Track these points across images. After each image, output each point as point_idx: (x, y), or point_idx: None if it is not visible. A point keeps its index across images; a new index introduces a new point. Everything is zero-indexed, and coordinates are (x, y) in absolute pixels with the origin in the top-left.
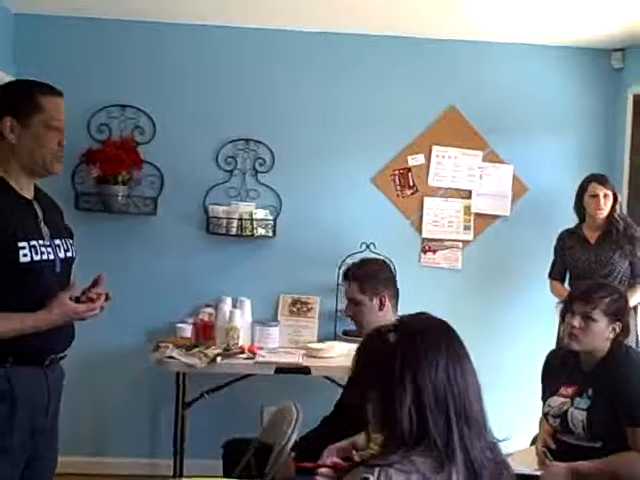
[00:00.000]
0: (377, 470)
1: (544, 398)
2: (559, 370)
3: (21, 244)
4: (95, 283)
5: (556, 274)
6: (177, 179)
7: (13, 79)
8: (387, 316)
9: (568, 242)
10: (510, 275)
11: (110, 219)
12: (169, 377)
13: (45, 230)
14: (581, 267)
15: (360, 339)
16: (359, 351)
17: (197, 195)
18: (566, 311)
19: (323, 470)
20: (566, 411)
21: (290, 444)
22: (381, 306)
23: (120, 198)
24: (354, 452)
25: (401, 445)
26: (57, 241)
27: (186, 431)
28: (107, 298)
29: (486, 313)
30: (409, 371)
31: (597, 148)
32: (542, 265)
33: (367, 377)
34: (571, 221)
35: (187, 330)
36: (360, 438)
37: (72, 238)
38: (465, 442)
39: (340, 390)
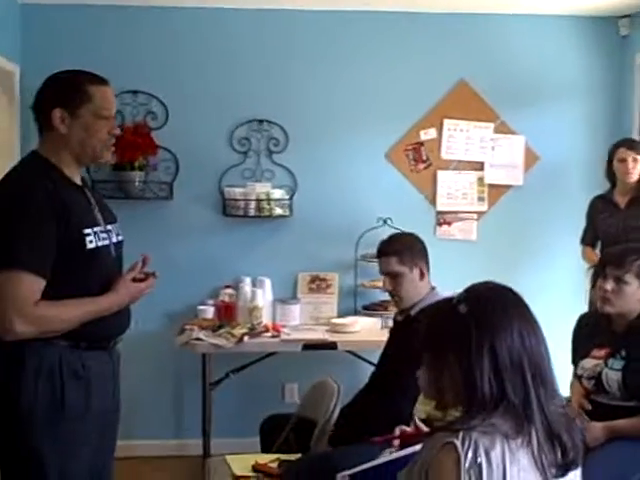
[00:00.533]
0: (461, 434)
1: (575, 361)
2: (590, 333)
3: (86, 231)
4: (143, 263)
5: (588, 240)
6: (191, 163)
7: (19, 69)
8: (426, 286)
9: (599, 207)
10: (526, 244)
11: (127, 205)
12: (192, 359)
13: (99, 216)
14: (611, 232)
15: (382, 312)
16: (430, 325)
17: (212, 178)
18: (598, 275)
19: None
20: (600, 372)
21: (334, 417)
22: (421, 276)
23: (137, 184)
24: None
25: (482, 410)
26: (109, 226)
27: (212, 411)
28: (155, 276)
29: (503, 282)
30: (486, 339)
31: (606, 115)
32: (556, 232)
33: (442, 350)
34: (582, 188)
35: (209, 312)
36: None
37: (117, 222)
38: (542, 402)
39: (363, 364)
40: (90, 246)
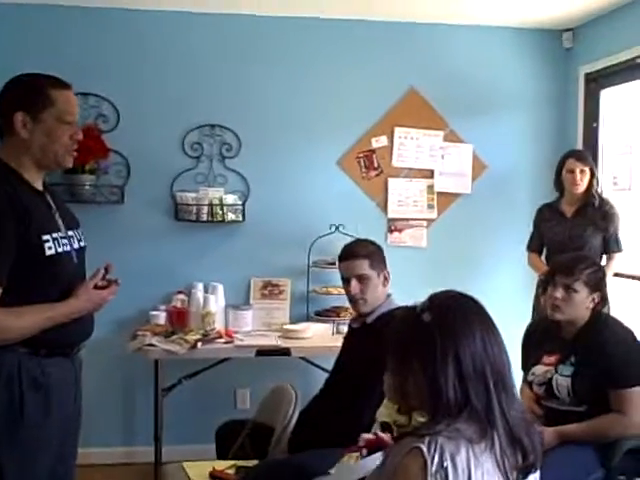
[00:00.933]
0: (427, 439)
1: (525, 367)
2: (541, 340)
3: (45, 237)
4: (106, 270)
5: (534, 246)
6: (143, 167)
7: None
8: (385, 292)
9: (546, 215)
10: (474, 250)
11: (78, 209)
12: (143, 365)
13: (60, 222)
14: (557, 240)
15: (334, 318)
16: (394, 333)
17: (164, 182)
18: (547, 283)
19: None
20: (550, 378)
21: (292, 423)
22: (385, 282)
23: (88, 187)
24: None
25: (444, 416)
26: (70, 232)
27: (164, 417)
28: (117, 283)
29: (453, 288)
30: (451, 347)
31: (552, 126)
32: (503, 239)
33: (406, 357)
34: (528, 196)
35: (161, 317)
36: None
37: (79, 227)
38: (503, 407)
39: (315, 370)
40: (49, 252)
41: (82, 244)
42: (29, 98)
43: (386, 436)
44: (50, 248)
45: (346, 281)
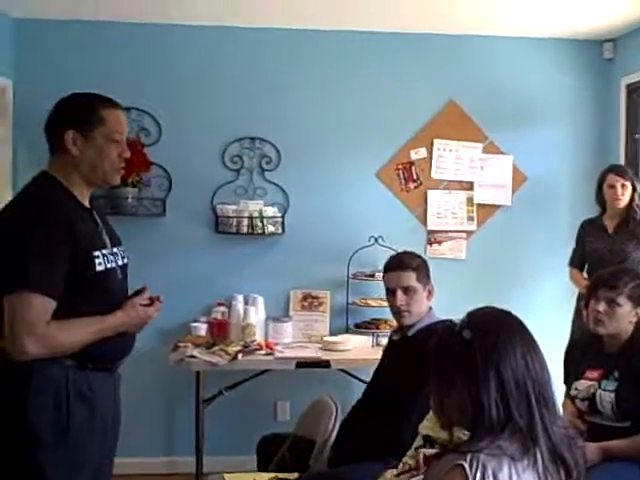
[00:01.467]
0: (469, 456)
1: (567, 382)
2: (583, 354)
3: (95, 253)
4: (143, 291)
5: (576, 262)
6: (184, 180)
7: (11, 84)
8: (428, 309)
9: (587, 231)
10: (513, 263)
11: (120, 221)
12: (184, 376)
13: (106, 239)
14: (597, 255)
15: (373, 330)
16: (435, 350)
17: (205, 195)
18: (589, 297)
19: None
20: (594, 393)
21: (333, 436)
22: (429, 296)
23: (130, 200)
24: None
25: (486, 433)
26: (115, 249)
27: (205, 428)
28: (159, 300)
29: (492, 301)
30: (492, 364)
31: (592, 137)
32: (543, 251)
33: (448, 375)
34: (568, 208)
35: (202, 329)
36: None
37: (122, 244)
38: (546, 423)
39: (354, 381)
40: (99, 268)
41: (125, 261)
42: (81, 116)
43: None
44: (100, 264)
45: (391, 292)
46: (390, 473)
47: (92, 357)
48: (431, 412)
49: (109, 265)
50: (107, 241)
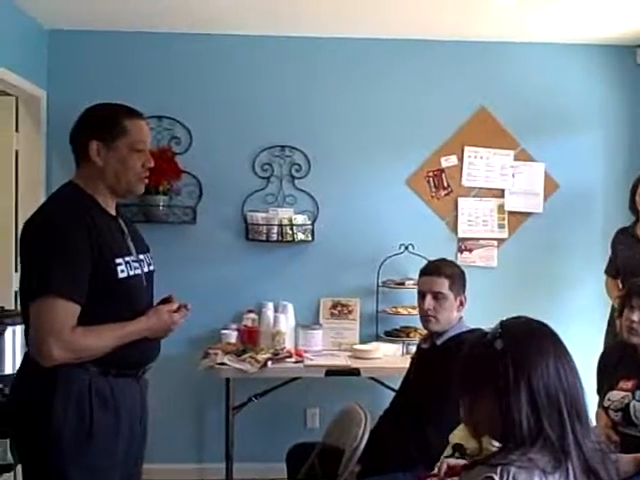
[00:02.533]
0: (499, 469)
1: (600, 392)
2: (616, 364)
3: (118, 260)
4: (169, 299)
5: (611, 270)
6: (215, 187)
7: (45, 94)
8: (458, 319)
9: (620, 239)
10: (545, 271)
11: (151, 229)
12: (214, 383)
13: (132, 246)
14: (630, 264)
15: (404, 338)
16: (466, 360)
17: (235, 203)
18: (623, 306)
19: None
20: (628, 404)
21: (362, 445)
22: (459, 306)
23: (161, 208)
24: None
25: (517, 445)
26: (141, 256)
27: (234, 435)
28: (187, 308)
29: (523, 310)
30: (523, 376)
31: (625, 144)
32: (576, 260)
33: (478, 385)
34: (601, 216)
35: (232, 336)
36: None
37: (149, 251)
38: (578, 437)
39: (384, 390)
40: (121, 275)
41: (151, 268)
42: (104, 127)
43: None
44: (123, 271)
45: (422, 296)
46: None
47: (115, 363)
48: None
49: (132, 272)
50: (132, 248)
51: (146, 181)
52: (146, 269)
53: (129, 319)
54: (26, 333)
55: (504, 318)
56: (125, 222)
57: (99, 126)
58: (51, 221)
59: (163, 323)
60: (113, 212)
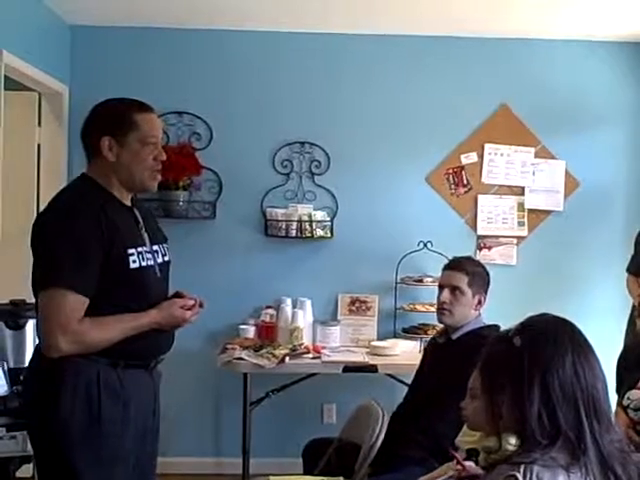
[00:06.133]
0: (522, 467)
1: (620, 391)
2: (636, 363)
3: (130, 250)
4: (181, 295)
5: (633, 268)
6: (235, 183)
7: (67, 90)
8: (475, 316)
9: None
10: (566, 269)
11: (170, 224)
12: (232, 377)
13: (145, 236)
14: None
15: (421, 335)
16: (486, 355)
17: (255, 198)
18: None
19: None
20: None
21: (379, 441)
22: (477, 305)
23: (181, 203)
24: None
25: (536, 443)
26: (155, 247)
27: (252, 430)
28: (201, 305)
29: (542, 308)
30: (537, 372)
31: None
32: (596, 258)
33: (496, 381)
34: (623, 214)
35: (250, 331)
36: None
37: (166, 242)
38: (596, 436)
39: (401, 386)
40: (133, 265)
41: (166, 259)
42: (115, 123)
43: (469, 465)
44: (134, 261)
45: (440, 289)
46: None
47: (124, 354)
48: (465, 426)
49: (144, 263)
50: (146, 239)
51: (159, 176)
52: (160, 260)
53: (141, 310)
54: (37, 326)
55: (526, 315)
56: (141, 212)
57: (110, 122)
58: (61, 212)
59: (174, 318)
60: (128, 203)
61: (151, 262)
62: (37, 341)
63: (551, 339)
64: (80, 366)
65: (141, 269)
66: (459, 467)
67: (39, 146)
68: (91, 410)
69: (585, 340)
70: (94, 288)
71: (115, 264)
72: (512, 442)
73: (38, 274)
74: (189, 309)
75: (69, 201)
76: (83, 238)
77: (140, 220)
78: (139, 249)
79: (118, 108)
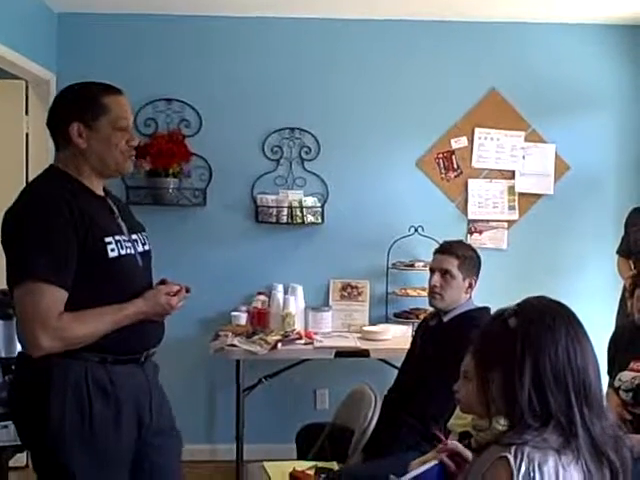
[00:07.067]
0: (513, 448)
1: (611, 373)
2: (627, 345)
3: (107, 239)
4: (165, 282)
5: (622, 251)
6: (225, 170)
7: (55, 77)
8: (466, 299)
9: (634, 219)
10: (556, 253)
11: (161, 211)
12: (224, 364)
13: (123, 225)
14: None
15: (413, 320)
16: (480, 336)
17: (245, 185)
18: (635, 286)
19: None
20: (638, 384)
21: (372, 425)
22: (468, 288)
23: (171, 190)
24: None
25: (527, 425)
26: (134, 236)
27: (245, 416)
28: (187, 290)
29: (533, 291)
30: (529, 354)
31: (637, 125)
32: (587, 241)
33: (489, 361)
34: (613, 197)
35: (242, 318)
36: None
37: (145, 231)
38: (586, 422)
39: (393, 371)
40: (112, 254)
41: (147, 248)
42: (83, 107)
43: (460, 448)
44: (113, 250)
45: (432, 273)
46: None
47: (112, 349)
48: (457, 409)
49: (123, 251)
50: (123, 227)
51: (133, 159)
52: (140, 249)
53: (124, 301)
54: (16, 326)
55: (517, 299)
56: (115, 202)
57: (78, 106)
58: (30, 205)
59: (160, 306)
60: (100, 192)
61: (131, 250)
62: (19, 346)
63: (546, 323)
64: (67, 366)
65: (120, 258)
66: (442, 445)
67: (27, 135)
68: (82, 411)
69: (580, 325)
70: (72, 280)
71: (93, 254)
72: (502, 422)
73: (11, 270)
74: (174, 295)
75: (38, 193)
76: (56, 229)
77: (115, 210)
78: (117, 237)
79: (85, 92)
